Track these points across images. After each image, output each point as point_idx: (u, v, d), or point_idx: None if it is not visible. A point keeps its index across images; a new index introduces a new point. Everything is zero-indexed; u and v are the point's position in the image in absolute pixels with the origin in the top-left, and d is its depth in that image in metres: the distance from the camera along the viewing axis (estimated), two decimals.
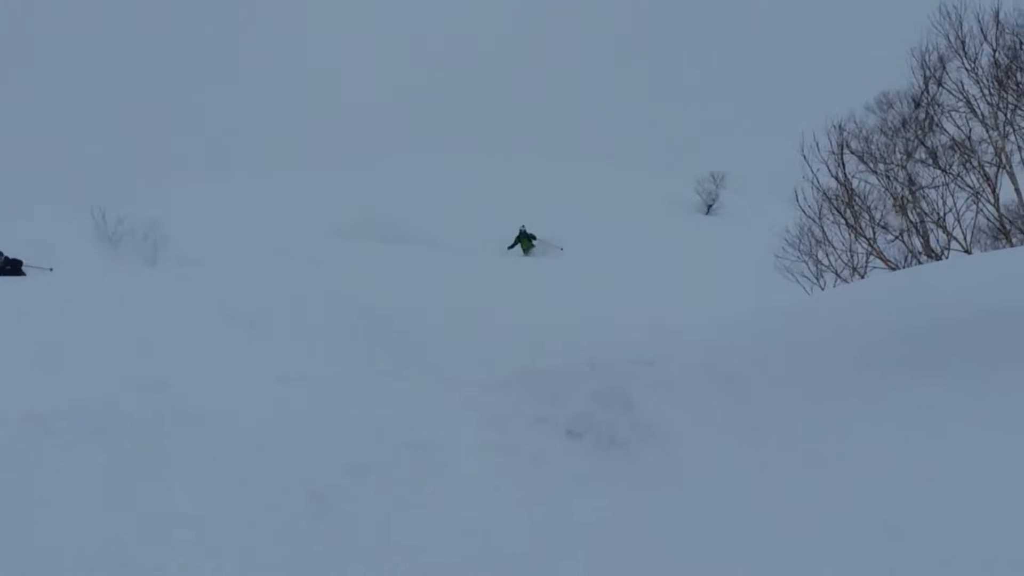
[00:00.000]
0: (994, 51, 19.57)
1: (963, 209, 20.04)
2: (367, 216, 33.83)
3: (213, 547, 6.51)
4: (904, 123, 20.97)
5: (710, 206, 41.39)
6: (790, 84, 57.62)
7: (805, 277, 21.44)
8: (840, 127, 21.13)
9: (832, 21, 67.25)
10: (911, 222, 20.35)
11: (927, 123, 20.53)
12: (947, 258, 19.40)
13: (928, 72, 20.55)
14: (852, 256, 21.03)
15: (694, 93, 60.93)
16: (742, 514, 6.33)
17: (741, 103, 58.13)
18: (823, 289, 20.63)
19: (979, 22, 19.74)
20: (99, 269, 19.99)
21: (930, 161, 20.18)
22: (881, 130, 21.34)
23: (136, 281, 14.95)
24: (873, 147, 21.05)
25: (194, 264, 23.26)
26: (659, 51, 68.19)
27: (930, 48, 20.43)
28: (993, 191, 19.59)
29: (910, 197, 20.32)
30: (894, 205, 20.46)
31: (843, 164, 20.84)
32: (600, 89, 63.03)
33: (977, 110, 19.88)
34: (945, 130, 20.38)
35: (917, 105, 20.96)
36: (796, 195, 21.49)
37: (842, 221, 20.95)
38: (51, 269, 23.04)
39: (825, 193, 21.16)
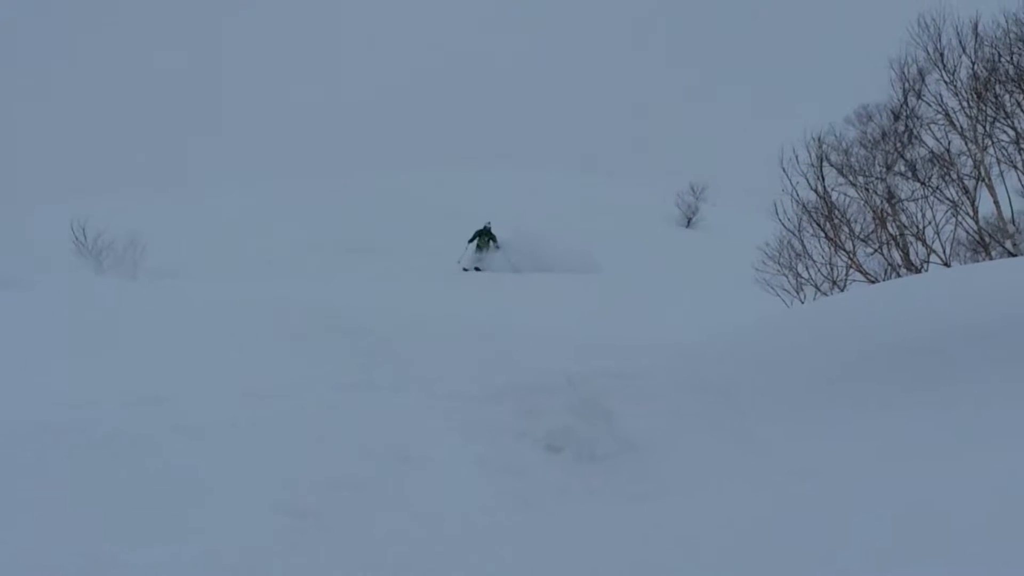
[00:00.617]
0: (973, 63, 19.63)
1: (942, 222, 20.06)
2: (350, 226, 33.76)
3: (193, 565, 6.42)
4: (883, 136, 20.99)
5: (690, 219, 41.47)
6: (771, 97, 57.91)
7: (785, 290, 21.42)
8: (819, 140, 21.15)
9: (811, 33, 67.69)
10: (891, 235, 20.35)
11: (906, 136, 20.56)
12: (927, 271, 19.40)
13: (907, 84, 20.60)
14: (832, 269, 21.02)
15: (677, 102, 61.20)
16: (722, 527, 6.27)
17: (723, 113, 58.40)
18: (803, 302, 20.61)
19: (958, 34, 19.81)
20: (79, 282, 19.83)
21: (909, 174, 20.19)
22: (861, 143, 21.37)
23: (116, 295, 14.88)
24: (852, 160, 21.06)
25: (173, 277, 23.19)
26: (646, 61, 68.50)
27: (909, 60, 20.50)
28: (972, 204, 19.61)
29: (889, 210, 20.32)
30: (874, 218, 20.46)
31: (822, 177, 20.84)
32: (581, 98, 63.27)
33: (956, 123, 19.93)
34: (924, 143, 20.41)
35: (896, 118, 20.99)
36: (776, 208, 21.48)
37: (822, 234, 20.94)
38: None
39: (804, 206, 21.15)
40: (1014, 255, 18.66)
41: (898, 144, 20.55)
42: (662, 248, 34.63)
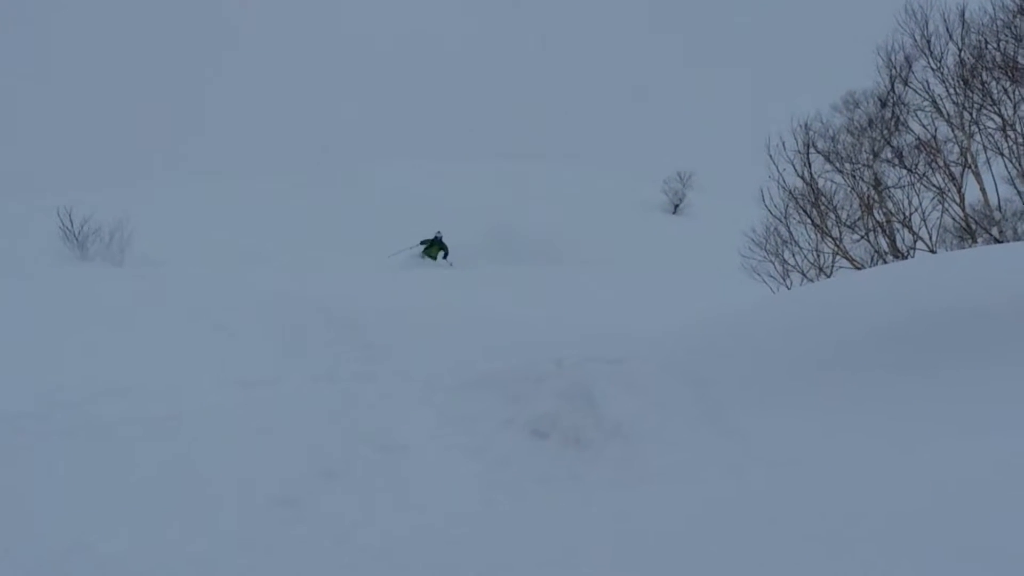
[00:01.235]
0: (960, 50, 19.61)
1: (929, 209, 20.05)
2: (333, 220, 33.60)
3: (179, 551, 6.40)
4: (870, 123, 20.98)
5: (677, 206, 41.46)
6: (759, 85, 57.84)
7: (772, 277, 21.40)
8: (806, 126, 21.12)
9: (799, 20, 67.57)
10: (877, 222, 20.35)
11: (893, 123, 20.54)
12: (913, 257, 19.41)
13: (894, 71, 20.58)
14: (818, 256, 21.01)
15: (661, 93, 61.04)
16: (705, 513, 6.27)
17: (707, 101, 58.29)
18: (789, 289, 20.59)
19: (945, 21, 19.79)
20: (65, 270, 19.78)
21: (896, 161, 20.18)
22: (847, 129, 21.35)
23: (103, 283, 14.84)
24: (839, 147, 21.04)
25: (160, 265, 23.12)
26: (636, 51, 68.31)
27: (896, 47, 20.49)
28: (959, 191, 19.61)
29: (876, 197, 20.32)
30: (860, 205, 20.46)
31: (809, 164, 20.82)
32: (566, 88, 63.04)
33: (943, 110, 19.92)
34: (911, 130, 20.40)
35: (883, 105, 20.98)
36: (762, 195, 21.46)
37: (808, 221, 20.92)
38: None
39: (791, 193, 21.13)
40: (1000, 241, 18.67)
41: (885, 131, 20.54)
42: (648, 234, 34.60)
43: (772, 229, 21.53)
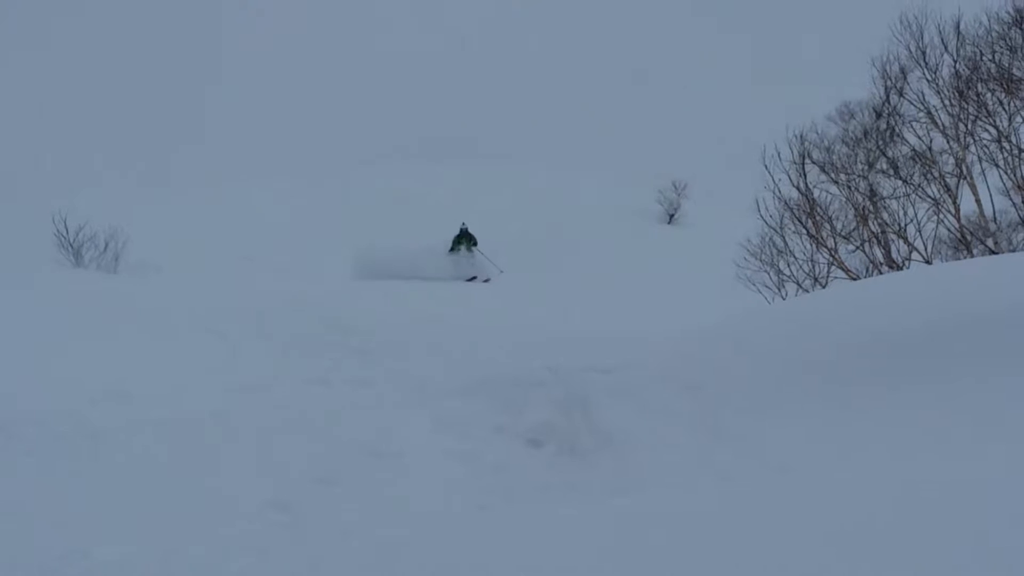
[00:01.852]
0: (955, 62, 19.68)
1: (924, 220, 20.12)
2: (334, 224, 33.56)
3: (176, 556, 6.39)
4: (866, 133, 21.03)
5: (672, 215, 41.48)
6: (753, 94, 57.83)
7: (767, 287, 21.44)
8: (801, 137, 21.16)
9: (794, 29, 67.54)
10: (872, 232, 20.39)
11: (888, 133, 20.60)
12: (908, 268, 19.45)
13: (889, 82, 20.64)
14: (813, 266, 21.05)
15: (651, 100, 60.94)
16: (700, 520, 6.29)
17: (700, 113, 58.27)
18: (784, 299, 20.63)
19: (940, 33, 19.86)
20: (60, 276, 19.77)
21: (891, 171, 20.24)
22: (843, 140, 21.40)
23: (97, 288, 14.84)
24: (835, 157, 21.09)
25: (155, 271, 23.12)
26: (623, 52, 68.22)
27: (891, 58, 20.55)
28: (954, 202, 19.67)
29: (871, 207, 20.36)
30: (855, 215, 20.50)
31: (804, 174, 20.86)
32: (559, 93, 62.89)
33: (938, 121, 19.98)
34: (906, 140, 20.46)
35: (878, 115, 21.03)
36: (758, 205, 21.50)
37: (803, 231, 20.96)
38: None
39: (786, 203, 21.17)
40: (995, 253, 18.72)
41: (880, 142, 20.60)
42: (644, 244, 34.61)
43: (767, 239, 21.57)
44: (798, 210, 21.02)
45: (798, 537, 5.19)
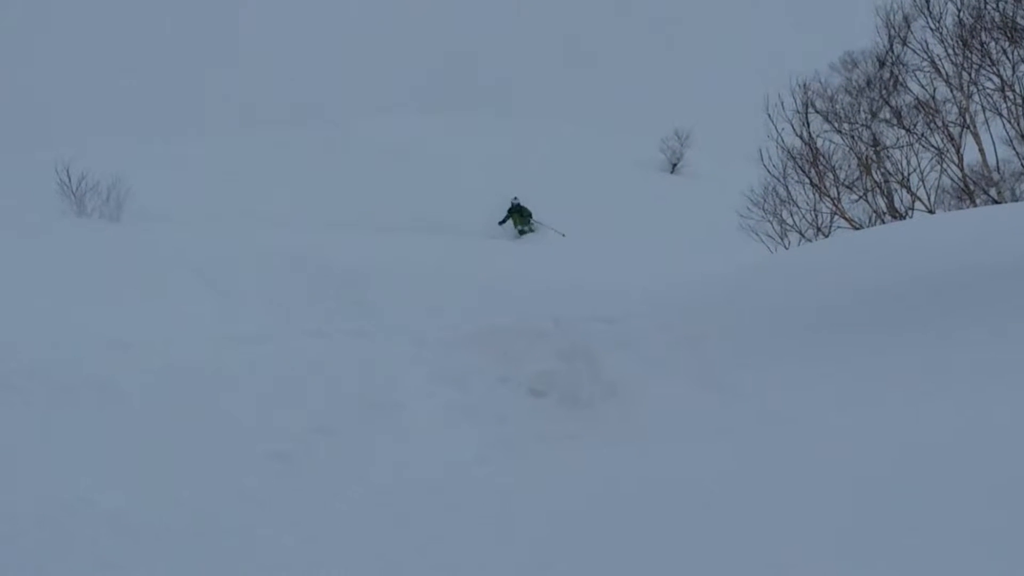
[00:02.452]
0: (959, 10, 19.56)
1: (927, 169, 20.08)
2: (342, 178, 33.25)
3: (178, 504, 6.44)
4: (869, 83, 20.94)
5: (675, 165, 41.22)
6: (759, 41, 57.34)
7: (769, 237, 21.41)
8: (805, 86, 21.08)
9: None
10: (875, 182, 20.36)
11: (892, 83, 20.51)
12: (911, 218, 19.43)
13: (893, 31, 20.53)
14: (816, 216, 21.02)
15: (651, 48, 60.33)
16: (701, 470, 6.33)
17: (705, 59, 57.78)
18: (787, 249, 20.61)
19: None
20: (59, 225, 19.71)
21: (895, 121, 20.18)
22: (846, 89, 21.32)
23: (99, 237, 14.83)
24: (838, 106, 21.02)
25: (159, 220, 23.02)
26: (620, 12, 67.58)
27: (895, 7, 20.44)
28: (957, 151, 19.63)
29: (874, 157, 20.32)
30: (859, 165, 20.46)
31: (807, 123, 20.81)
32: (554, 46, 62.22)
33: (941, 70, 19.90)
34: (910, 90, 20.39)
35: (882, 65, 20.92)
36: (761, 154, 21.45)
37: (806, 181, 20.92)
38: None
39: (790, 152, 21.12)
40: (998, 202, 18.70)
41: (883, 91, 20.52)
42: (645, 194, 34.42)
43: (770, 189, 21.53)
44: (801, 159, 20.97)
45: (793, 488, 5.24)
